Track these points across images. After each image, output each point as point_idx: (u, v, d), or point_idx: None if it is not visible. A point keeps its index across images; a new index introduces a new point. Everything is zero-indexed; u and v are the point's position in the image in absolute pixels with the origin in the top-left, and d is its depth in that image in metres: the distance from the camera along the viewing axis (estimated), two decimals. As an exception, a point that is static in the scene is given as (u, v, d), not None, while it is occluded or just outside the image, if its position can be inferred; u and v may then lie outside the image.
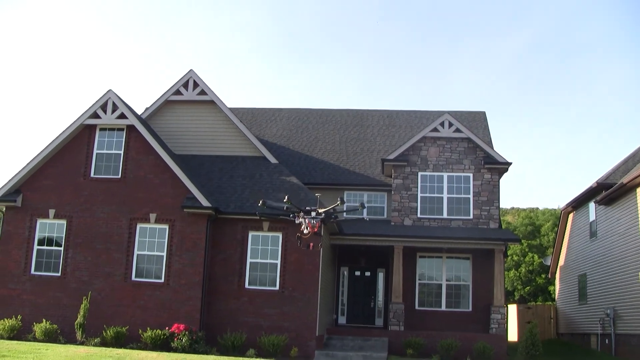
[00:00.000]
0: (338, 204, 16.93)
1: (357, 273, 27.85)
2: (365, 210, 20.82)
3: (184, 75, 26.39)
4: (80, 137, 23.86)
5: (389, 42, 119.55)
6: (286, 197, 17.49)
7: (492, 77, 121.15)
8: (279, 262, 22.61)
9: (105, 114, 23.78)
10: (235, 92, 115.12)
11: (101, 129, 23.90)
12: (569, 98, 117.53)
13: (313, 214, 17.45)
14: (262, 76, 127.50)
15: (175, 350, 20.26)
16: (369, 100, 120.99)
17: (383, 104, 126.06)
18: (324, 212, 17.49)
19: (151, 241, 22.77)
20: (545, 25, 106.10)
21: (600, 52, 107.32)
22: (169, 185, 22.94)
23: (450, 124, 27.30)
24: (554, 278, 39.33)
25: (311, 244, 19.18)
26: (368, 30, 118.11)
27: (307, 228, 17.44)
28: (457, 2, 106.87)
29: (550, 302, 45.74)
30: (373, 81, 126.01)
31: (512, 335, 35.13)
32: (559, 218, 39.69)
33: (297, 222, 17.76)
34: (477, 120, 32.72)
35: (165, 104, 26.38)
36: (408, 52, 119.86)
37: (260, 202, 17.60)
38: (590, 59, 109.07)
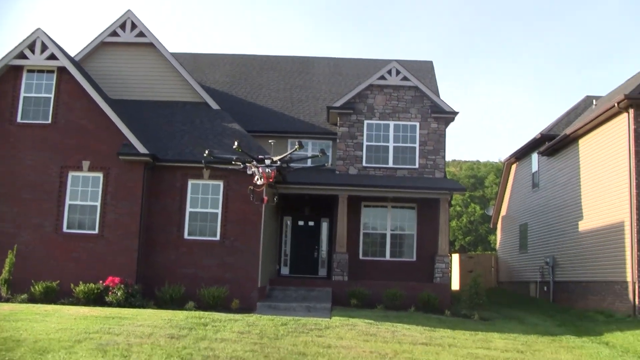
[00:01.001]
0: (296, 149, 15.59)
1: (301, 223, 27.25)
2: (329, 158, 18.48)
3: (122, 16, 25.10)
4: (5, 79, 22.25)
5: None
6: (236, 143, 16.02)
7: (437, 28, 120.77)
8: (219, 211, 21.76)
9: (34, 54, 22.24)
10: (176, 37, 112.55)
11: (29, 71, 22.36)
12: (509, 52, 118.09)
13: (267, 162, 16.10)
14: (205, 21, 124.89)
15: (110, 304, 19.32)
16: (314, 48, 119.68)
17: (329, 52, 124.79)
18: (280, 159, 16.14)
19: (84, 190, 21.61)
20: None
21: (551, 7, 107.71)
22: (103, 132, 21.74)
23: (398, 72, 26.67)
24: (496, 228, 39.52)
25: (265, 198, 17.82)
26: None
27: (261, 179, 16.10)
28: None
29: (490, 252, 46.09)
30: (319, 30, 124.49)
31: (455, 284, 35.18)
32: (501, 170, 39.77)
33: (249, 172, 16.44)
34: (424, 70, 32.17)
35: (101, 46, 25.06)
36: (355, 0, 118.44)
37: (207, 152, 16.36)
38: (536, 8, 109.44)
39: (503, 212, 37.00)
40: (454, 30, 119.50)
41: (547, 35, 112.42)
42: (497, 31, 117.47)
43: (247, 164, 16.45)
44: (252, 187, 16.39)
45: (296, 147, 15.31)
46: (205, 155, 16.65)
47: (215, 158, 16.84)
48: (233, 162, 17.08)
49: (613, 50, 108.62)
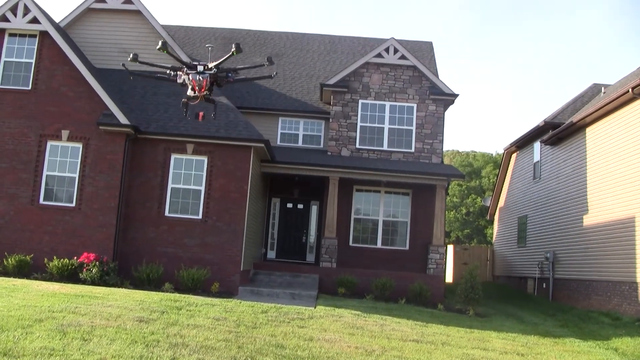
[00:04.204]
0: (233, 52, 13.39)
1: (290, 205, 26.21)
2: (274, 71, 15.29)
3: (111, -20, 23.89)
4: (-15, 42, 21.26)
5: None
6: (160, 43, 13.75)
7: (437, 12, 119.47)
8: (203, 188, 20.66)
9: (16, 17, 21.17)
10: (169, 9, 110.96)
11: (10, 35, 21.31)
12: (511, 40, 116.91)
13: (200, 68, 13.81)
14: None
15: (84, 282, 18.31)
16: (310, 26, 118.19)
17: (325, 30, 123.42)
18: (215, 66, 13.93)
19: (62, 161, 20.54)
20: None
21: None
22: (84, 100, 20.67)
23: (396, 50, 25.57)
24: (493, 220, 38.47)
25: (200, 113, 15.63)
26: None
27: (193, 90, 13.83)
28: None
29: (485, 245, 45.11)
30: (316, 8, 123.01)
31: (448, 277, 34.20)
32: (500, 159, 38.73)
33: (179, 81, 14.21)
34: (424, 51, 31.05)
35: (87, 12, 23.88)
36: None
37: (131, 55, 13.97)
38: None
39: (501, 203, 35.92)
40: (455, 18, 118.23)
41: (549, 29, 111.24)
42: (496, 21, 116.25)
43: (178, 72, 14.23)
44: (185, 100, 14.39)
45: (233, 50, 13.28)
46: (129, 59, 14.09)
47: (141, 63, 14.47)
48: (161, 69, 14.92)
49: (621, 39, 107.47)
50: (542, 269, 27.78)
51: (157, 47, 13.83)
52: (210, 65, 13.89)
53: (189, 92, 13.96)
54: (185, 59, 15.17)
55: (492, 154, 59.12)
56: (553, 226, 27.35)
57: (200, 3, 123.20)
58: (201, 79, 13.66)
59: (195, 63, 14.13)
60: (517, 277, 31.36)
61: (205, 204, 20.57)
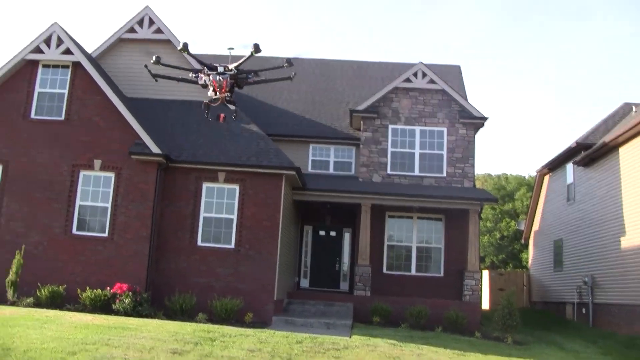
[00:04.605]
0: (252, 53, 13.29)
1: (322, 233, 26.03)
2: (292, 72, 14.93)
3: (139, 12, 24.18)
4: (20, 74, 21.55)
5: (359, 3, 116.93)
6: (181, 44, 13.81)
7: (465, 36, 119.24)
8: (235, 217, 20.59)
9: (49, 48, 21.52)
10: (197, 37, 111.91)
11: (44, 66, 21.65)
12: (541, 61, 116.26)
13: (220, 69, 13.82)
14: (227, 21, 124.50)
15: (117, 313, 18.20)
16: (338, 52, 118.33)
17: (353, 56, 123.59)
18: (234, 67, 13.93)
19: (95, 190, 20.63)
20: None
21: (579, 10, 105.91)
22: (116, 129, 20.78)
23: (424, 74, 25.46)
24: (528, 244, 37.88)
25: (222, 115, 15.56)
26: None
27: (214, 91, 13.85)
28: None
29: (520, 269, 44.41)
30: (344, 34, 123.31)
31: (484, 303, 33.64)
32: (533, 181, 38.22)
33: (200, 82, 14.27)
34: (452, 74, 30.85)
35: (118, 43, 24.11)
36: (381, 3, 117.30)
37: (154, 58, 14.10)
38: (569, 16, 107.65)
39: (535, 226, 35.37)
40: (483, 41, 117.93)
41: (578, 40, 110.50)
42: (524, 39, 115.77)
43: (199, 74, 14.26)
44: (206, 102, 14.37)
45: (252, 51, 13.21)
46: (152, 62, 14.28)
47: (164, 65, 14.45)
48: (183, 71, 15.11)
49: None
50: (580, 293, 27.16)
51: (179, 47, 13.85)
52: (231, 66, 13.85)
53: (210, 93, 13.96)
54: (206, 61, 15.13)
55: (524, 177, 58.42)
56: (590, 249, 26.79)
57: (225, 30, 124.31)
58: (221, 79, 13.65)
59: (216, 65, 14.08)
60: (555, 302, 30.72)
61: (237, 232, 20.47)
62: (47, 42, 21.58)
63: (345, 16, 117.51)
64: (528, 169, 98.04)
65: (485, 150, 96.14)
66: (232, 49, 14.71)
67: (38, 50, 21.55)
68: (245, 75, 14.19)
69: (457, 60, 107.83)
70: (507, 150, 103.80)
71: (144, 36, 23.91)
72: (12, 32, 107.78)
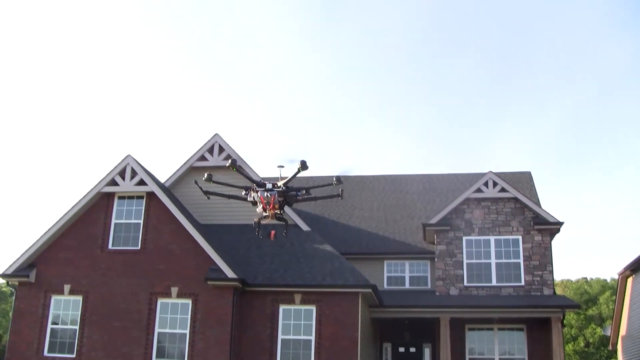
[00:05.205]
0: (299, 170, 13.06)
1: (402, 349, 25.49)
2: (340, 188, 14.90)
3: (209, 140, 24.98)
4: (97, 206, 22.39)
5: (430, 114, 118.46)
6: (230, 161, 13.70)
7: (535, 143, 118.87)
8: (313, 338, 20.45)
9: (124, 180, 22.33)
10: (264, 159, 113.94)
11: (120, 197, 22.44)
12: (613, 161, 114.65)
13: (269, 186, 13.55)
14: (296, 143, 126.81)
15: None
16: (408, 165, 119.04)
17: (422, 169, 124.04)
18: (283, 184, 13.65)
19: (173, 317, 20.88)
20: (589, 91, 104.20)
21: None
22: (191, 256, 21.16)
23: (495, 184, 25.36)
24: (616, 350, 36.31)
25: (272, 232, 15.37)
26: (414, 106, 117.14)
27: (263, 208, 13.46)
28: (500, 70, 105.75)
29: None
30: (414, 149, 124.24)
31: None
32: (616, 284, 37.00)
33: (249, 199, 13.90)
34: (523, 181, 30.66)
35: (190, 171, 24.86)
36: (448, 118, 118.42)
37: (205, 175, 14.03)
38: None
39: (623, 331, 33.96)
40: (551, 140, 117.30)
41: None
42: (596, 138, 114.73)
43: (249, 191, 13.86)
44: (257, 220, 14.02)
45: (299, 167, 13.02)
46: (204, 179, 14.16)
47: (215, 183, 14.44)
48: (235, 188, 14.74)
49: None
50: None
51: (227, 164, 13.84)
52: (279, 183, 13.69)
53: (259, 210, 13.69)
54: (256, 178, 15.27)
55: (607, 280, 56.83)
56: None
57: (298, 153, 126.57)
58: (269, 195, 13.36)
59: (265, 182, 13.98)
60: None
61: (316, 353, 20.27)
62: (122, 174, 22.39)
63: (413, 130, 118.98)
64: (610, 272, 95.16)
65: (563, 254, 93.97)
66: (282, 167, 14.81)
67: (113, 182, 22.39)
68: (295, 193, 13.98)
69: (528, 165, 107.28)
70: (586, 253, 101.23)
71: (215, 163, 24.53)
72: (85, 162, 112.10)
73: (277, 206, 13.50)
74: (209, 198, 15.92)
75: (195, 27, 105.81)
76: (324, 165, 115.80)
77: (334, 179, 13.76)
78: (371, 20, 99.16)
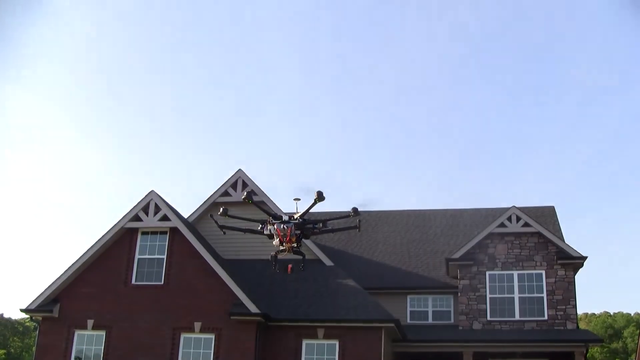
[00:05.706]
0: (315, 201, 13.04)
1: (426, 384, 25.30)
2: (358, 219, 14.58)
3: (232, 175, 25.14)
4: (121, 242, 22.57)
5: (453, 150, 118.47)
6: (245, 193, 13.94)
7: (559, 177, 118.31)
8: (336, 372, 20.39)
9: (147, 216, 22.52)
10: (285, 192, 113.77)
11: (143, 233, 22.62)
12: (637, 204, 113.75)
13: (285, 218, 13.58)
14: (315, 177, 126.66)
15: None
16: (432, 200, 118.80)
17: (445, 204, 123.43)
18: (299, 216, 13.62)
19: (196, 352, 20.90)
20: (613, 125, 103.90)
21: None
22: (215, 291, 21.23)
23: (519, 218, 25.26)
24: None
25: (289, 266, 15.09)
26: (437, 141, 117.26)
27: (280, 241, 13.43)
28: (523, 104, 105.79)
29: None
30: (438, 184, 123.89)
31: None
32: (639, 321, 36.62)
33: (265, 232, 13.88)
34: (546, 215, 30.50)
35: (213, 206, 24.88)
36: (471, 154, 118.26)
37: (221, 209, 14.15)
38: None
39: (647, 367, 33.61)
40: (575, 174, 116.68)
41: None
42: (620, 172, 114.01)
43: (266, 224, 13.92)
44: (274, 254, 13.89)
45: (315, 199, 12.96)
46: (219, 213, 14.28)
47: (230, 217, 14.28)
48: (250, 222, 14.73)
49: None
50: None
51: (242, 197, 14.01)
52: (296, 215, 13.68)
53: (275, 243, 13.65)
54: (278, 213, 15.21)
55: (630, 314, 56.18)
56: None
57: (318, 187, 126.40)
58: (285, 227, 13.34)
59: (281, 214, 14.11)
60: None
61: (339, 387, 20.19)
62: (145, 210, 22.57)
63: (437, 165, 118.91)
64: (634, 306, 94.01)
65: (587, 288, 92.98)
66: (299, 199, 14.78)
67: (137, 218, 22.57)
68: (312, 225, 13.96)
69: (552, 199, 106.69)
70: (610, 287, 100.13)
71: (238, 199, 24.35)
72: (110, 198, 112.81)
73: (293, 239, 13.47)
74: (224, 233, 15.78)
75: (221, 61, 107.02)
76: (347, 200, 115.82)
77: (351, 211, 13.66)
78: (395, 55, 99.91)
